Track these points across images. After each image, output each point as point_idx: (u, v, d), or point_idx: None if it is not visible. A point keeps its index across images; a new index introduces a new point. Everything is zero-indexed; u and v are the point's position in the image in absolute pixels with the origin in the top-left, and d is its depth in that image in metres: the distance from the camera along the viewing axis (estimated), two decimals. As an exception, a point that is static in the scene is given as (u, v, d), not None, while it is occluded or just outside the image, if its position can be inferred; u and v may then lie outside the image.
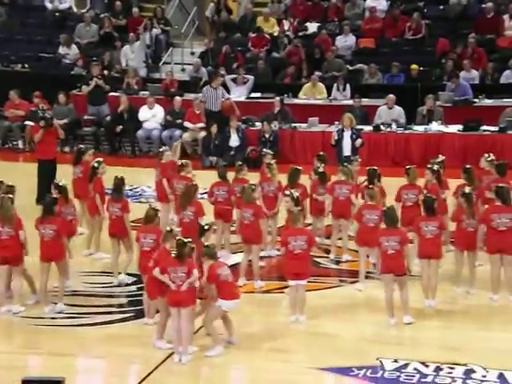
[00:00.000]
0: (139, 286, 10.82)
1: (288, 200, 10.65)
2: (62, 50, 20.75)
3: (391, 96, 17.64)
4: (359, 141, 14.73)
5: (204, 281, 8.95)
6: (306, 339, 9.54)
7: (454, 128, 17.33)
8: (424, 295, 10.29)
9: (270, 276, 11.26)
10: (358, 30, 20.80)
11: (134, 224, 11.27)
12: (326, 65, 19.79)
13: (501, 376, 8.60)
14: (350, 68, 19.91)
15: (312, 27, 21.07)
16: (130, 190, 14.62)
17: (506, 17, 20.12)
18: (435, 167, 11.65)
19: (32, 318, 10.04)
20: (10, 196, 10.30)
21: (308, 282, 10.15)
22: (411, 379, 8.59)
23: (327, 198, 11.87)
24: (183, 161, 12.63)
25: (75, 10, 22.60)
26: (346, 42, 20.41)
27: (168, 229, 9.30)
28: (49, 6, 22.40)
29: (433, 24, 20.51)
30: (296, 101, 18.76)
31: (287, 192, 10.98)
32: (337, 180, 11.90)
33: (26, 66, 20.64)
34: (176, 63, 21.09)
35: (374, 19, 20.81)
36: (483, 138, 16.95)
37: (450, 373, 8.69)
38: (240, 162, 12.64)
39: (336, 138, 14.70)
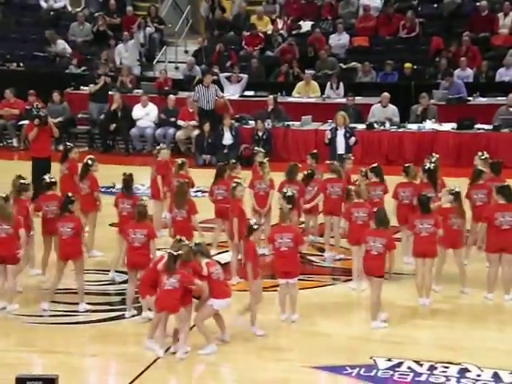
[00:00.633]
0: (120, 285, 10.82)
1: (280, 197, 10.65)
2: (53, 47, 20.69)
3: (385, 94, 17.64)
4: (353, 139, 14.72)
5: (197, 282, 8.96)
6: (299, 338, 9.52)
7: (448, 126, 17.33)
8: (418, 294, 10.28)
9: (262, 274, 11.23)
10: (351, 28, 20.80)
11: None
12: (319, 63, 19.79)
13: (495, 375, 8.58)
14: (344, 66, 19.90)
15: (306, 26, 21.08)
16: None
17: (500, 15, 20.14)
18: (427, 166, 11.61)
19: (26, 315, 10.03)
20: (3, 195, 10.25)
21: (301, 280, 10.16)
22: (405, 378, 8.57)
23: (319, 198, 11.90)
24: (182, 159, 12.63)
25: (70, 8, 22.59)
26: (339, 40, 20.41)
27: (178, 238, 9.29)
28: (43, 4, 22.37)
29: (427, 22, 20.52)
30: (289, 99, 18.76)
31: (284, 189, 10.96)
32: (328, 178, 11.90)
33: (21, 64, 20.60)
34: (170, 62, 21.09)
35: (367, 17, 20.81)
36: (477, 137, 16.96)
37: (444, 372, 8.67)
38: (234, 160, 12.68)
39: (329, 136, 14.68)
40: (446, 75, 18.55)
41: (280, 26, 21.06)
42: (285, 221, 9.84)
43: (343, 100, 18.16)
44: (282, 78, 19.72)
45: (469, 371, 8.69)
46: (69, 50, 20.79)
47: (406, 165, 11.86)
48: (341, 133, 14.67)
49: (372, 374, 8.67)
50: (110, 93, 18.86)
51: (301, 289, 10.36)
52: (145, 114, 18.39)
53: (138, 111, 18.43)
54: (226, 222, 11.67)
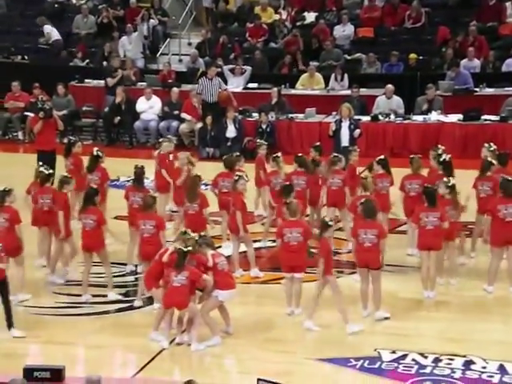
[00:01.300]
0: (137, 276, 10.85)
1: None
2: (45, 37, 20.64)
3: (389, 86, 17.55)
4: (357, 131, 14.67)
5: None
6: (304, 330, 9.49)
7: (454, 117, 17.23)
8: (423, 286, 10.25)
9: (264, 267, 11.21)
10: (356, 19, 20.70)
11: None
12: (324, 54, 19.71)
13: (501, 367, 8.55)
14: (348, 58, 19.81)
15: (310, 17, 20.99)
16: (128, 180, 14.59)
17: (508, 4, 19.96)
18: (443, 157, 11.52)
19: (33, 307, 10.06)
20: (5, 189, 10.21)
21: (305, 272, 10.14)
22: (409, 370, 8.56)
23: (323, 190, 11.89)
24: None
25: (74, 1, 22.53)
26: (344, 31, 20.32)
27: (183, 230, 9.33)
28: (48, -3, 22.33)
29: (433, 12, 20.40)
30: (293, 91, 18.69)
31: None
32: (333, 169, 11.88)
33: (26, 57, 20.59)
34: (173, 54, 21.05)
35: (372, 8, 20.72)
36: (484, 128, 16.86)
37: (449, 364, 8.65)
38: (238, 153, 12.66)
39: (334, 128, 14.64)
40: (452, 66, 18.43)
41: (284, 17, 20.98)
42: (294, 215, 9.83)
43: (348, 92, 18.09)
44: (285, 70, 19.66)
45: (474, 363, 8.66)
46: (56, 36, 20.65)
47: (411, 156, 11.82)
48: (345, 125, 14.62)
49: (376, 366, 8.65)
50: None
51: (305, 281, 10.34)
52: (149, 107, 18.36)
53: (141, 104, 18.41)
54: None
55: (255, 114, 17.69)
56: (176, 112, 18.11)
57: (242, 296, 9.88)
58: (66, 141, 13.56)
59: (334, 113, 16.23)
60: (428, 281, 10.21)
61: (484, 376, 8.45)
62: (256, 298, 10.44)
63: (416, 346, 9.05)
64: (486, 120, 17.08)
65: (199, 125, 17.73)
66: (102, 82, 19.41)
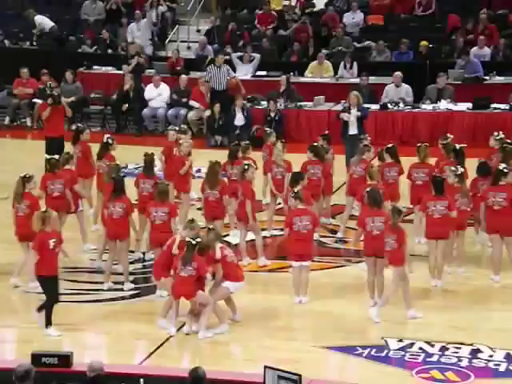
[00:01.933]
0: (146, 263, 10.88)
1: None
2: (37, 28, 20.60)
3: (398, 73, 17.46)
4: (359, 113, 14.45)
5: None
6: (311, 318, 9.52)
7: (464, 106, 17.16)
8: (430, 275, 10.25)
9: (271, 255, 11.22)
10: (366, 6, 20.60)
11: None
12: (333, 42, 19.63)
13: (508, 356, 8.55)
14: (358, 45, 19.74)
15: (319, 4, 20.91)
16: (136, 168, 14.61)
17: (519, -8, 19.85)
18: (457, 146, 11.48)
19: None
20: (23, 175, 10.32)
21: (313, 261, 10.16)
22: (416, 358, 8.57)
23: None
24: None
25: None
26: (353, 19, 20.24)
27: (190, 219, 9.38)
28: (56, -17, 22.28)
29: (443, -1, 20.30)
30: (302, 79, 18.64)
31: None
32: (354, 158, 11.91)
33: (34, 43, 20.58)
34: (182, 41, 20.98)
35: (382, -5, 20.62)
36: (493, 117, 16.78)
37: (456, 352, 8.66)
38: (247, 142, 12.68)
39: (345, 117, 14.54)
40: (462, 54, 18.33)
41: (293, 3, 20.89)
42: (301, 203, 9.82)
43: (357, 80, 18.02)
44: (294, 58, 19.60)
45: (481, 352, 8.67)
46: (49, 23, 20.57)
47: (418, 144, 11.79)
48: (354, 112, 14.58)
49: (383, 354, 8.67)
50: (120, 72, 18.79)
51: (313, 270, 10.35)
52: (157, 95, 18.34)
53: (150, 91, 18.39)
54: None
55: (264, 102, 17.65)
56: (184, 99, 18.08)
57: (250, 284, 9.89)
58: (73, 128, 13.56)
59: (343, 101, 16.19)
60: (435, 269, 10.19)
61: (491, 364, 8.46)
62: (263, 287, 10.46)
63: (423, 334, 9.06)
64: (495, 109, 17.01)
65: (207, 113, 17.71)
66: (110, 68, 19.41)
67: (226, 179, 11.91)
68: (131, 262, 10.86)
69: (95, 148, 12.61)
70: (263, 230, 11.52)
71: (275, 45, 19.80)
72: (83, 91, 18.76)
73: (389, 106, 17.25)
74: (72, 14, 21.58)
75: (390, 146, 11.90)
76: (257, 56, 19.16)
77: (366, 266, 10.62)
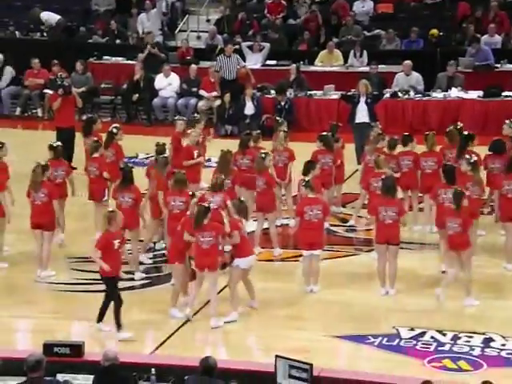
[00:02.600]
0: (156, 253, 10.89)
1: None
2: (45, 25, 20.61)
3: (407, 62, 17.38)
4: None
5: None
6: (322, 307, 9.52)
7: (475, 94, 17.06)
8: (444, 262, 10.20)
9: (284, 244, 11.21)
10: (375, -6, 20.51)
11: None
12: (343, 30, 19.56)
13: (520, 345, 8.56)
14: (368, 34, 19.66)
15: (329, -8, 20.81)
16: (147, 158, 14.62)
17: (530, -22, 19.71)
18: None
19: (53, 283, 10.16)
20: (42, 163, 10.40)
21: (324, 250, 10.15)
22: (428, 348, 8.56)
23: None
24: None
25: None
26: (363, 7, 20.14)
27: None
28: (66, -26, 22.24)
29: (453, -13, 20.16)
30: (312, 68, 18.59)
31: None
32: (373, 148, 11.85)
33: (45, 34, 20.59)
34: (192, 31, 20.96)
35: (392, -17, 20.51)
36: (505, 104, 16.66)
37: (468, 341, 8.65)
38: (258, 131, 12.68)
39: (349, 93, 14.54)
40: (472, 42, 18.22)
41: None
42: (312, 192, 9.82)
43: (366, 68, 17.95)
44: (304, 47, 19.54)
45: (493, 341, 8.65)
46: (55, 18, 20.55)
47: (426, 133, 11.75)
48: (363, 100, 14.55)
49: (395, 343, 8.66)
50: (131, 62, 18.78)
51: (324, 259, 10.35)
52: (167, 84, 18.32)
53: (160, 81, 18.38)
54: (249, 191, 11.67)
55: (273, 91, 17.60)
56: (194, 89, 18.07)
57: (261, 273, 9.90)
58: (85, 118, 13.58)
59: (353, 89, 16.14)
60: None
61: (503, 353, 8.44)
62: (275, 276, 10.44)
63: (435, 323, 9.04)
64: (506, 96, 16.91)
65: (217, 102, 17.69)
66: (121, 58, 19.40)
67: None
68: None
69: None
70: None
71: (285, 34, 19.74)
72: (93, 81, 18.77)
73: (399, 94, 17.19)
74: (82, 4, 21.56)
75: (406, 134, 11.87)
76: (266, 45, 19.11)
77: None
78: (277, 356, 7.59)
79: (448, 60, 17.36)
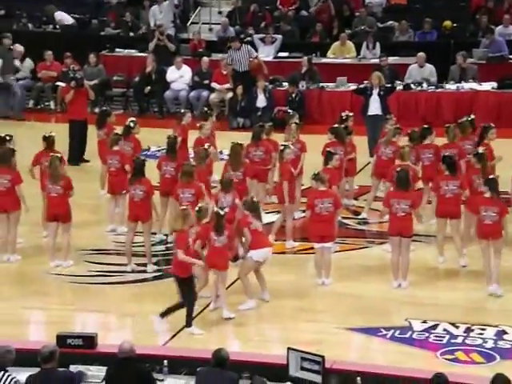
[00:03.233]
0: (168, 245, 10.91)
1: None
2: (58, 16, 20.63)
3: (421, 54, 17.29)
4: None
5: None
6: (334, 300, 9.51)
7: (488, 86, 16.95)
8: (438, 252, 10.25)
9: (295, 237, 11.19)
10: (388, -14, 20.41)
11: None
12: (356, 22, 19.47)
13: (534, 337, 8.52)
14: (381, 25, 19.57)
15: (342, -16, 20.71)
16: (158, 150, 14.64)
17: (545, -32, 19.51)
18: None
19: (67, 275, 10.20)
20: (58, 155, 10.47)
21: (336, 243, 10.14)
22: (440, 340, 8.54)
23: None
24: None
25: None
26: (376, -2, 20.07)
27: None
28: (79, -34, 22.23)
29: (467, -23, 20.03)
30: (324, 60, 18.53)
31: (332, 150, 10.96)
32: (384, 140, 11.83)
33: (57, 27, 20.63)
34: (204, 23, 20.93)
35: (405, -26, 20.39)
36: (519, 96, 16.60)
37: (481, 334, 8.63)
38: (270, 124, 12.66)
39: (361, 86, 14.51)
40: (486, 33, 18.10)
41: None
42: (322, 184, 9.80)
43: (378, 60, 17.89)
44: (317, 39, 19.48)
45: (506, 333, 8.62)
46: (68, 21, 20.57)
47: (447, 125, 11.65)
48: (375, 92, 14.50)
49: (407, 335, 8.65)
50: (143, 55, 18.77)
51: (335, 251, 10.34)
52: (179, 77, 18.31)
53: (172, 74, 18.37)
54: (260, 183, 11.67)
55: (285, 84, 17.57)
56: (206, 81, 18.05)
57: (274, 266, 9.89)
58: (98, 111, 13.60)
59: (366, 81, 16.10)
60: (443, 248, 10.21)
61: (516, 346, 8.42)
62: (287, 268, 10.43)
63: (447, 315, 9.02)
64: (521, 88, 16.81)
65: (229, 95, 17.67)
66: (133, 50, 19.41)
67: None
68: (153, 244, 10.90)
69: (118, 130, 12.66)
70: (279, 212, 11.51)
71: (297, 26, 19.68)
72: (106, 74, 18.79)
73: (412, 86, 17.11)
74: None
75: (425, 126, 11.83)
76: (279, 37, 19.06)
77: (389, 247, 10.63)
78: (289, 348, 7.59)
79: (462, 51, 17.26)
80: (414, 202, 9.68)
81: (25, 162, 11.40)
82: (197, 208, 9.17)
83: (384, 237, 10.90)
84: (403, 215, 9.57)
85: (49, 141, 11.32)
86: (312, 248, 10.15)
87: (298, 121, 12.57)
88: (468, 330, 8.70)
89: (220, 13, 21.10)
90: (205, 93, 18.02)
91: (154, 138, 14.74)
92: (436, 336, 8.63)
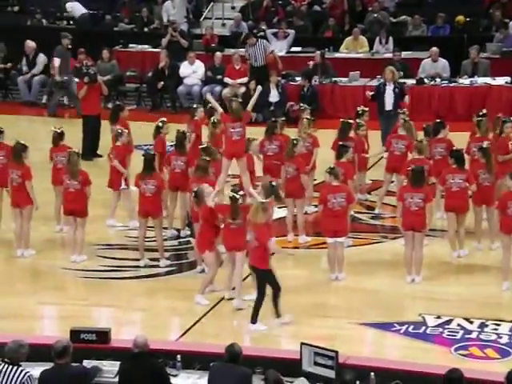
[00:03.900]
0: (181, 240, 10.92)
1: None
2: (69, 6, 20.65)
3: (434, 49, 17.21)
4: (407, 97, 14.50)
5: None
6: (348, 295, 9.49)
7: (502, 80, 16.87)
8: (451, 247, 10.22)
9: (308, 232, 11.17)
10: (401, -20, 20.33)
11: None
12: (369, 16, 19.39)
13: (548, 333, 8.48)
14: (394, 20, 19.50)
15: (354, -21, 20.63)
16: (171, 145, 14.61)
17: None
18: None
19: (80, 270, 10.23)
20: (76, 151, 10.53)
21: (349, 237, 10.11)
22: (455, 335, 8.51)
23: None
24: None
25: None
26: (389, -7, 19.99)
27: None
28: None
29: (480, -28, 19.92)
30: (337, 55, 18.49)
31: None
32: (395, 134, 11.75)
33: (71, 22, 20.66)
34: (217, 18, 20.92)
35: (419, -32, 20.30)
36: (533, 90, 16.50)
37: (495, 329, 8.59)
38: (283, 118, 12.65)
39: (372, 93, 14.46)
40: (500, 27, 18.03)
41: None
42: (336, 179, 9.78)
43: (391, 55, 17.82)
44: (329, 34, 19.43)
45: (521, 329, 8.59)
46: (81, 10, 20.55)
47: (479, 119, 11.55)
48: (389, 88, 14.45)
49: (421, 331, 8.62)
50: (155, 50, 18.77)
51: (349, 246, 10.32)
52: (192, 72, 18.32)
53: (185, 69, 18.37)
54: (274, 178, 11.62)
55: (298, 78, 17.54)
56: (219, 76, 18.05)
57: (286, 260, 9.89)
58: (111, 106, 13.60)
59: (379, 76, 16.05)
60: (456, 242, 10.20)
61: (531, 342, 8.38)
62: (300, 263, 10.42)
63: (461, 310, 8.98)
64: (534, 82, 16.71)
65: (242, 89, 17.65)
66: (146, 46, 19.43)
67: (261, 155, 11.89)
68: (165, 239, 10.90)
69: (131, 125, 12.68)
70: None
71: (310, 21, 19.64)
72: (119, 69, 18.80)
73: (425, 80, 17.05)
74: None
75: (438, 121, 11.77)
76: (291, 32, 19.04)
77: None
78: (302, 343, 7.58)
79: (473, 45, 17.17)
80: (427, 196, 9.65)
81: (38, 158, 11.45)
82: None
83: (397, 231, 10.88)
84: (416, 209, 9.55)
85: (55, 136, 11.32)
86: (325, 243, 10.14)
87: (309, 116, 12.55)
88: (482, 326, 8.67)
89: (233, 8, 21.08)
90: (218, 88, 18.02)
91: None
92: (450, 331, 8.60)
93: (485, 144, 10.51)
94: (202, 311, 9.07)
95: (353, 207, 10.37)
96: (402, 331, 8.60)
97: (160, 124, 12.03)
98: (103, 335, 8.05)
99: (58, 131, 11.40)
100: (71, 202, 10.36)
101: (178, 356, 7.77)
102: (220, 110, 10.88)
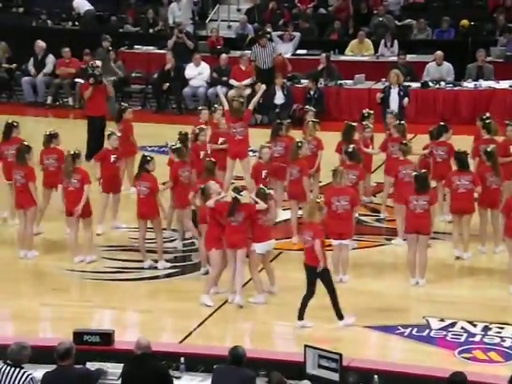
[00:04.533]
0: (185, 242, 10.92)
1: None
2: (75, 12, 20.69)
3: (439, 53, 17.22)
4: (406, 100, 14.48)
5: None
6: (352, 297, 9.47)
7: (506, 84, 16.88)
8: (454, 247, 10.23)
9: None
10: (407, -16, 20.35)
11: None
12: (374, 19, 19.40)
13: (552, 337, 8.47)
14: (399, 24, 19.52)
15: (360, -18, 20.65)
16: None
17: None
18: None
19: (84, 271, 10.23)
20: (72, 152, 10.47)
21: (353, 240, 10.11)
22: (458, 338, 8.51)
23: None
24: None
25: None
26: (395, -4, 20.00)
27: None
28: (98, -37, 22.27)
29: (485, -24, 19.94)
30: (342, 57, 18.50)
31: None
32: (391, 138, 11.75)
33: (77, 23, 20.70)
34: (222, 20, 20.95)
35: (424, -28, 20.32)
36: (537, 94, 16.48)
37: (498, 332, 8.58)
38: (288, 121, 12.63)
39: (381, 96, 14.46)
40: (504, 31, 18.05)
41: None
42: (339, 182, 9.78)
43: (396, 58, 17.84)
44: (335, 36, 19.45)
45: (524, 332, 8.58)
46: (86, 6, 20.57)
47: (488, 121, 11.53)
48: (394, 91, 14.46)
49: (425, 333, 8.62)
50: (161, 52, 18.81)
51: (353, 249, 10.31)
52: (197, 74, 18.34)
53: (190, 70, 18.39)
54: (279, 181, 11.63)
55: (304, 81, 17.55)
56: (224, 78, 18.06)
57: (292, 262, 9.90)
58: (116, 107, 13.59)
59: (384, 79, 16.05)
60: (460, 243, 10.22)
61: (535, 345, 8.37)
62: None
63: (465, 314, 8.98)
64: (539, 86, 16.69)
65: (248, 91, 17.67)
66: (152, 47, 19.46)
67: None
68: (171, 241, 10.88)
69: (136, 126, 12.68)
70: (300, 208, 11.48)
71: (315, 23, 19.66)
72: (124, 70, 18.82)
73: (430, 84, 17.05)
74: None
75: (441, 123, 11.76)
76: (297, 35, 19.06)
77: (399, 241, 10.59)
78: (306, 346, 7.57)
79: (479, 49, 17.17)
80: (431, 198, 9.66)
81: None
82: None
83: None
84: (421, 212, 9.54)
85: (47, 138, 11.29)
86: (329, 245, 10.14)
87: (314, 118, 12.54)
88: (486, 329, 8.66)
89: (239, 10, 21.11)
90: (223, 90, 18.02)
91: (172, 134, 14.69)
92: (454, 334, 8.60)
93: (490, 147, 10.50)
94: (206, 313, 9.07)
95: (357, 210, 10.36)
96: (405, 334, 8.60)
97: (197, 131, 11.71)
98: (107, 337, 8.04)
99: (48, 133, 11.34)
100: (72, 203, 10.33)
101: (182, 358, 7.77)
102: (226, 106, 10.86)
